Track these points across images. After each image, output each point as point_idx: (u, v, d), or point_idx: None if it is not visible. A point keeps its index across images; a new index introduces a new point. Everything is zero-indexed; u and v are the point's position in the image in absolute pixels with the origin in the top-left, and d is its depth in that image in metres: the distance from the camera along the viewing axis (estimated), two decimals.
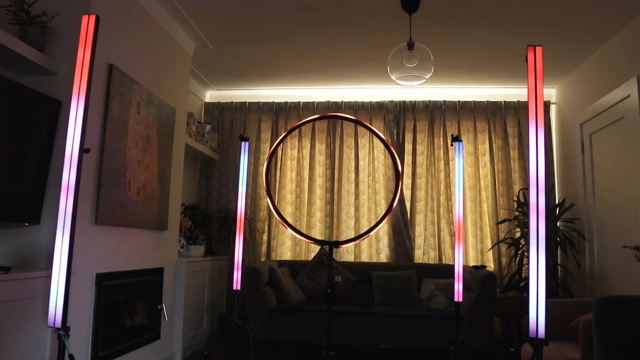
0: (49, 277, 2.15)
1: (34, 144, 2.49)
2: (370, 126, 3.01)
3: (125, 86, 3.09)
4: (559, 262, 4.64)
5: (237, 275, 3.45)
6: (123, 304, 3.11)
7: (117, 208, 3.02)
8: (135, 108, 3.23)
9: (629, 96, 3.65)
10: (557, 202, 4.81)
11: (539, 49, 2.07)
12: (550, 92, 5.18)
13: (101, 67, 2.86)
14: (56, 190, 2.54)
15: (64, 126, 2.57)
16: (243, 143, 3.59)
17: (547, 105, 5.09)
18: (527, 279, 4.43)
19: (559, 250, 4.59)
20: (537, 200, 1.93)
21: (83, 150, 2.07)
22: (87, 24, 2.14)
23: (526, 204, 4.63)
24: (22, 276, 2.18)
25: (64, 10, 2.71)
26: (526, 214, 4.58)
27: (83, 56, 2.12)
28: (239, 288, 3.49)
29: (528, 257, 1.97)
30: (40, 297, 2.30)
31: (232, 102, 5.46)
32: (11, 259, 2.54)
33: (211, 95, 5.61)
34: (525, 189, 4.85)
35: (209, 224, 4.96)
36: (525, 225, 4.55)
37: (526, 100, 5.07)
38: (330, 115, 3.11)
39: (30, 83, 2.63)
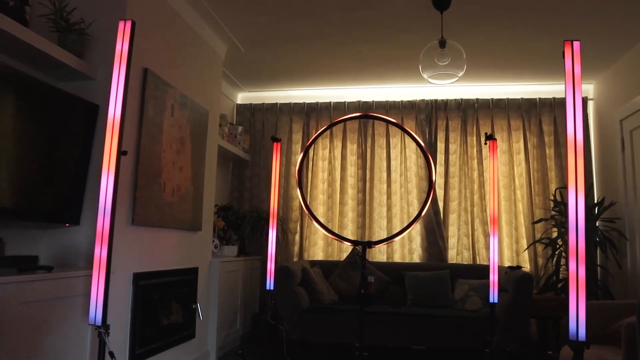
0: (89, 276, 2.22)
1: (73, 147, 2.57)
2: (407, 129, 2.98)
3: (159, 89, 3.15)
4: (598, 263, 4.50)
5: (270, 275, 3.47)
6: (159, 303, 3.17)
7: (153, 209, 3.08)
8: (170, 111, 3.29)
9: None
10: (595, 201, 4.67)
11: (576, 44, 2.02)
12: (587, 88, 5.04)
13: (136, 71, 2.93)
14: (95, 192, 2.62)
15: (102, 129, 2.64)
16: (275, 143, 3.61)
17: (584, 101, 4.95)
18: (564, 280, 4.33)
19: (598, 250, 4.46)
20: (576, 199, 1.88)
21: (121, 152, 2.13)
22: (124, 29, 2.20)
23: (563, 203, 4.51)
24: (63, 275, 2.25)
25: (101, 17, 2.79)
26: (563, 214, 4.47)
27: (120, 61, 2.17)
28: (272, 288, 3.51)
29: (566, 257, 1.93)
30: (80, 295, 2.37)
31: (263, 104, 5.51)
32: (53, 259, 2.63)
33: (243, 96, 5.67)
34: (562, 188, 4.73)
35: (242, 224, 5.01)
36: (562, 225, 4.44)
37: (562, 96, 4.94)
38: (369, 115, 3.10)
39: (69, 88, 2.71)
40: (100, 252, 2.07)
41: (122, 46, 2.18)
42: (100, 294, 2.05)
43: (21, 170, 2.25)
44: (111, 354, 2.07)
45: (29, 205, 2.32)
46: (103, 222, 2.07)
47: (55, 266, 2.54)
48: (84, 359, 2.40)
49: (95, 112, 2.67)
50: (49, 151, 2.40)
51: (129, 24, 2.20)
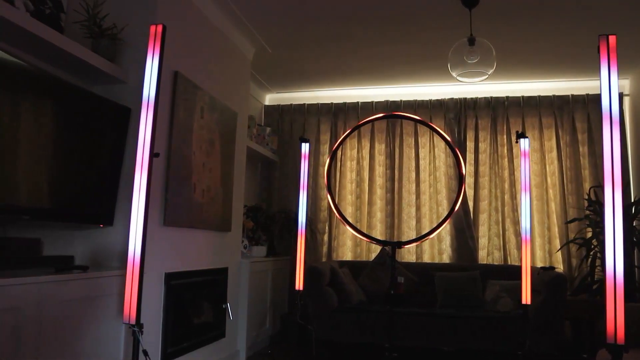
0: (123, 275, 2.26)
1: (106, 149, 2.63)
2: (434, 126, 2.96)
3: (189, 92, 3.19)
4: (635, 264, 4.37)
5: (299, 276, 3.49)
6: (190, 302, 3.22)
7: (183, 210, 3.13)
8: (199, 113, 3.33)
9: None
10: (632, 200, 4.54)
11: (612, 38, 1.97)
12: (623, 83, 4.89)
13: (167, 74, 2.98)
14: (128, 193, 2.67)
15: (134, 132, 2.69)
16: (303, 144, 3.62)
17: (620, 97, 4.80)
18: (600, 281, 4.22)
19: (635, 251, 4.33)
20: (613, 198, 1.83)
21: (153, 154, 2.17)
22: (155, 33, 2.24)
23: (598, 202, 4.40)
24: (98, 275, 2.31)
25: (132, 22, 2.84)
26: (598, 213, 4.35)
27: (151, 65, 2.22)
28: (301, 288, 3.52)
29: (602, 258, 1.87)
30: (114, 295, 2.42)
31: (291, 105, 5.53)
32: (87, 259, 2.69)
33: (271, 98, 5.70)
34: (597, 187, 4.61)
35: (271, 224, 5.04)
36: (597, 225, 4.33)
37: (596, 93, 4.81)
38: (394, 115, 3.10)
39: (102, 92, 2.77)
40: (133, 252, 2.11)
41: (153, 50, 2.22)
42: (134, 294, 2.09)
43: (58, 172, 2.31)
44: (145, 352, 2.11)
45: (66, 206, 2.38)
46: (136, 222, 2.12)
47: (90, 266, 2.60)
48: (118, 357, 2.45)
49: (127, 115, 2.73)
50: (83, 153, 2.47)
51: (160, 28, 2.24)
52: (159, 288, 2.91)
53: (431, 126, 2.95)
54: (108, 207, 2.64)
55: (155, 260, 2.85)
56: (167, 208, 2.94)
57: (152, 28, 2.24)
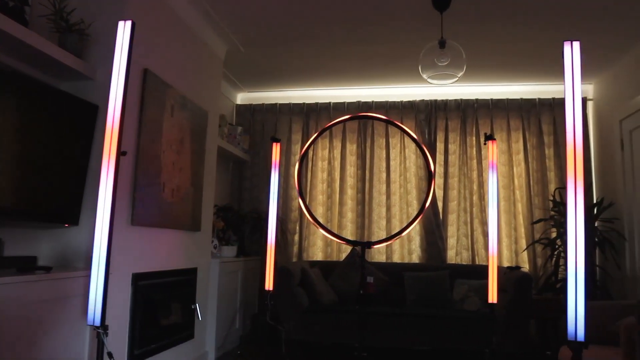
0: (88, 276, 2.22)
1: (73, 147, 2.57)
2: (402, 125, 2.98)
3: (159, 90, 3.15)
4: (597, 264, 4.51)
5: (270, 276, 3.47)
6: (158, 303, 3.17)
7: (152, 209, 3.08)
8: (169, 111, 3.29)
9: None
10: (594, 202, 4.67)
11: (576, 44, 2.02)
12: (587, 89, 5.04)
13: (136, 71, 2.93)
14: (94, 192, 2.61)
15: (102, 130, 2.64)
16: (274, 144, 3.61)
17: (584, 101, 4.94)
18: (564, 280, 4.33)
19: (597, 250, 4.46)
20: (575, 200, 1.88)
21: (120, 153, 2.13)
22: (123, 29, 2.20)
23: (562, 203, 4.51)
24: (62, 276, 2.25)
25: (100, 18, 2.79)
26: (562, 214, 4.47)
27: (119, 61, 2.18)
28: (271, 288, 3.51)
29: (565, 257, 1.93)
30: (79, 296, 2.37)
31: (263, 104, 5.51)
32: (52, 259, 2.63)
33: (242, 97, 5.67)
34: (561, 188, 4.73)
35: (242, 224, 5.01)
36: (561, 225, 4.44)
37: (562, 97, 4.94)
38: (363, 116, 3.11)
39: (69, 88, 2.71)
40: (99, 252, 2.07)
41: (121, 46, 2.18)
42: (98, 295, 2.05)
43: (21, 170, 2.25)
44: (109, 355, 2.07)
45: (29, 205, 2.32)
46: (102, 222, 2.07)
47: (55, 267, 2.54)
48: (83, 359, 2.40)
49: (94, 113, 2.67)
50: (48, 151, 2.40)
51: (128, 24, 2.20)
52: (126, 289, 2.86)
53: (401, 127, 2.98)
54: (73, 206, 2.58)
55: (122, 260, 2.80)
56: (136, 207, 2.89)
57: (121, 24, 2.20)
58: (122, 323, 2.81)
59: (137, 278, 2.93)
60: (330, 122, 3.05)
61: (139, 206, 2.93)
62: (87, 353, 2.41)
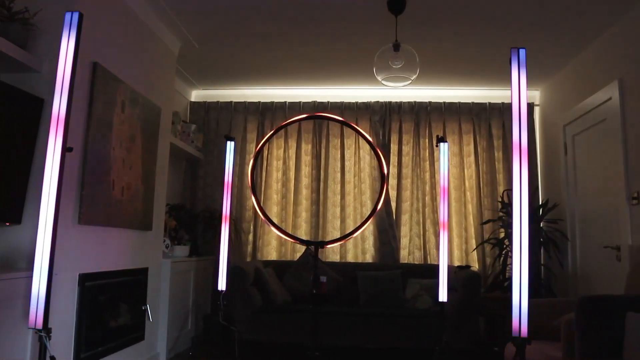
0: (30, 277, 2.12)
1: (16, 142, 2.45)
2: (357, 127, 3.01)
3: (109, 85, 3.06)
4: (542, 262, 4.69)
5: (223, 276, 3.43)
6: (106, 304, 3.08)
7: (101, 208, 2.99)
8: (120, 107, 3.20)
9: (610, 99, 3.70)
10: (540, 203, 4.86)
11: (522, 51, 2.09)
12: (534, 94, 5.23)
13: (85, 65, 2.83)
14: (38, 189, 2.50)
15: (47, 125, 2.53)
16: (228, 142, 3.58)
17: (530, 107, 5.13)
18: (510, 278, 4.48)
19: (542, 250, 4.64)
20: (520, 202, 1.95)
21: (66, 149, 2.05)
22: (71, 21, 2.12)
23: (510, 204, 4.67)
24: (2, 277, 2.15)
25: (47, 7, 2.67)
26: (510, 215, 4.62)
27: (66, 54, 2.10)
28: (224, 288, 3.47)
29: (512, 257, 2.00)
30: (21, 298, 2.27)
31: (217, 102, 5.44)
32: None
33: (197, 94, 5.58)
34: (509, 190, 4.89)
35: (194, 224, 4.93)
36: (509, 226, 4.60)
37: (511, 102, 5.10)
38: (318, 116, 3.12)
39: (12, 80, 2.59)
40: (42, 252, 1.99)
41: (68, 38, 2.11)
42: (41, 296, 1.97)
43: None
44: (52, 359, 1.99)
45: None
46: (45, 220, 1.99)
47: None
48: None
49: (40, 106, 2.56)
50: None
51: (76, 16, 2.12)
52: (73, 290, 2.76)
53: (355, 128, 3.00)
54: (16, 204, 2.47)
55: (68, 260, 2.70)
56: (83, 205, 2.80)
57: (67, 15, 2.12)
58: (68, 326, 2.71)
59: (84, 279, 2.83)
60: (286, 121, 3.05)
61: (86, 204, 2.83)
62: (29, 357, 2.31)
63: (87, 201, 2.83)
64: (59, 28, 2.28)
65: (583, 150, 4.22)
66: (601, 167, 3.89)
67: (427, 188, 5.12)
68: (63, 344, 2.66)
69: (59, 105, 2.06)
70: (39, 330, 1.98)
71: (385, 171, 2.97)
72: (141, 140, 3.51)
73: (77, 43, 2.12)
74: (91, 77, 2.89)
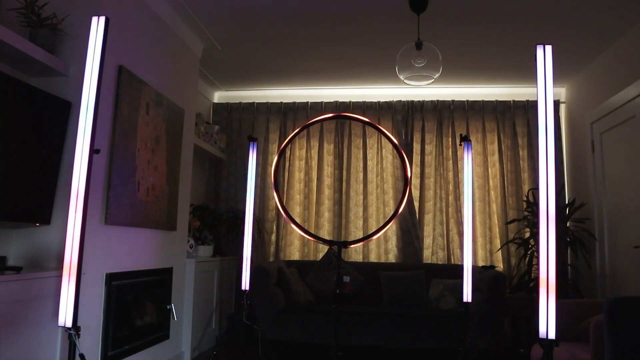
0: (60, 277, 2.17)
1: (45, 144, 2.51)
2: (382, 128, 3.00)
3: (134, 87, 3.10)
4: (569, 263, 4.60)
5: (246, 276, 3.46)
6: (132, 303, 3.13)
7: (127, 208, 3.04)
8: (145, 109, 3.24)
9: (639, 95, 3.62)
10: (566, 202, 4.77)
11: (548, 48, 2.06)
12: (560, 91, 5.14)
13: (111, 68, 2.88)
14: (67, 190, 2.56)
15: (74, 127, 2.58)
16: (251, 143, 3.60)
17: (556, 104, 5.04)
18: (536, 279, 4.41)
19: (569, 250, 4.56)
20: (547, 201, 1.92)
21: (93, 151, 2.09)
22: (97, 25, 2.16)
23: (535, 204, 4.60)
24: (33, 276, 2.20)
25: (74, 12, 2.73)
26: (535, 214, 4.55)
27: (93, 58, 2.14)
28: (247, 288, 3.49)
29: (537, 257, 1.97)
30: (51, 297, 2.32)
31: (240, 103, 5.48)
32: (22, 259, 2.57)
33: (219, 96, 5.63)
34: (535, 189, 4.82)
35: (218, 224, 4.97)
36: (534, 225, 4.53)
37: (535, 99, 5.03)
38: (343, 116, 3.12)
39: (41, 84, 2.65)
40: (70, 252, 2.03)
41: (95, 42, 2.15)
42: (70, 295, 2.01)
43: None
44: (82, 357, 2.03)
45: None
46: (74, 221, 2.04)
47: (25, 267, 2.48)
48: None
49: (67, 109, 2.62)
50: (19, 148, 2.35)
51: (102, 20, 2.16)
52: (100, 289, 2.81)
53: (378, 128, 2.99)
54: (45, 205, 2.53)
55: (95, 260, 2.75)
56: (109, 206, 2.85)
57: (94, 20, 2.16)
58: (95, 324, 2.77)
59: (111, 278, 2.88)
60: (308, 121, 3.05)
61: (113, 205, 2.88)
62: (58, 355, 2.36)
63: (113, 202, 2.88)
64: (85, 33, 2.33)
65: (611, 148, 4.13)
66: (630, 165, 3.80)
67: (451, 187, 5.07)
68: (91, 342, 2.71)
69: (86, 108, 2.11)
70: (69, 329, 2.02)
71: (409, 174, 2.95)
72: (165, 142, 3.56)
73: (104, 47, 2.15)
74: (117, 80, 2.94)
